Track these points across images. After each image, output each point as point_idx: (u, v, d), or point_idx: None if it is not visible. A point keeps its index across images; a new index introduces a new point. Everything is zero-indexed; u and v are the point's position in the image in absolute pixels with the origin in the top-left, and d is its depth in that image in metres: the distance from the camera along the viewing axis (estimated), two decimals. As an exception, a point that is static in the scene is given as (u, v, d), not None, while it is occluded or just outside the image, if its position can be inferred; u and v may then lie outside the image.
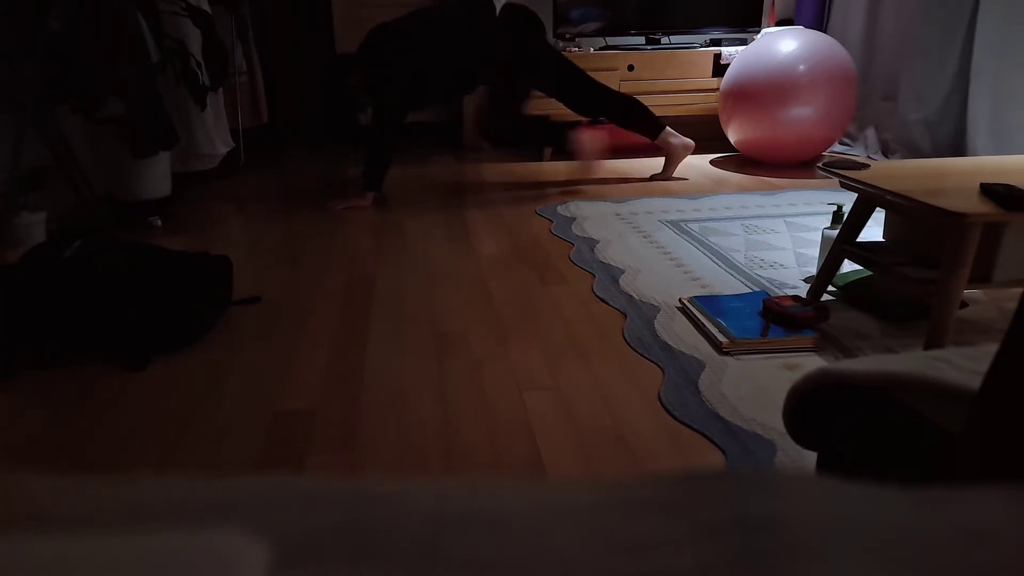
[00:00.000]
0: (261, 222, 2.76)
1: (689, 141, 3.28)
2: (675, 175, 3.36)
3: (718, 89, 3.78)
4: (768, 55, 3.31)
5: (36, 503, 0.26)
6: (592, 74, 3.75)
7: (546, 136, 3.27)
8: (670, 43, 4.03)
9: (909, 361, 0.66)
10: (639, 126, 3.28)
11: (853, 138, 3.85)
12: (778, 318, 1.68)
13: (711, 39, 4.04)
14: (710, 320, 1.69)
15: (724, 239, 2.40)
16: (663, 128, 3.26)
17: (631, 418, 1.35)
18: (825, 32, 4.00)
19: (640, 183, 3.28)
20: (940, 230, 1.58)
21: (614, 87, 3.81)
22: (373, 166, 2.98)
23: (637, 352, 1.61)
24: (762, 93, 3.29)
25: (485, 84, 3.16)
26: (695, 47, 3.89)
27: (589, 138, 3.26)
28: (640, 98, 3.84)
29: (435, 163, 3.86)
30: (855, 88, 3.34)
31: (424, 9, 3.06)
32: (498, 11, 3.05)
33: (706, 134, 4.35)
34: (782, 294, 1.88)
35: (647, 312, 1.82)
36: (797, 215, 2.67)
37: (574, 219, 2.70)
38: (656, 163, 3.74)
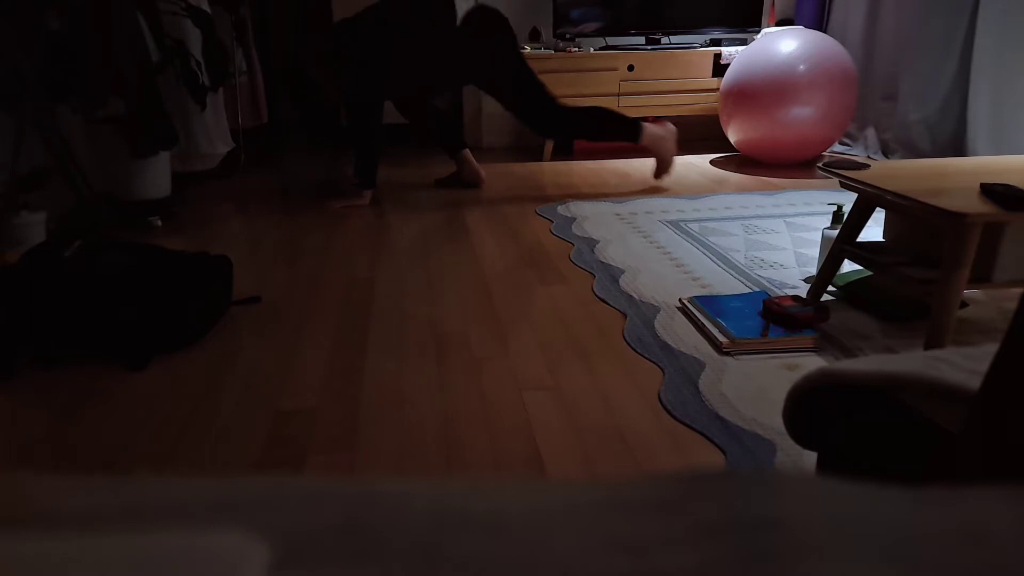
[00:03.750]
0: (261, 222, 2.76)
1: (670, 126, 3.08)
2: (672, 170, 3.18)
3: (718, 89, 3.78)
4: (768, 55, 3.31)
5: (36, 503, 0.26)
6: (592, 74, 3.77)
7: (612, 130, 3.06)
8: (670, 43, 4.03)
9: (909, 361, 0.66)
10: (616, 134, 3.07)
11: (853, 138, 3.85)
12: (778, 318, 1.68)
13: (711, 39, 4.04)
14: (710, 320, 1.69)
15: (724, 239, 2.40)
16: (642, 128, 3.05)
17: (631, 418, 1.35)
18: (825, 32, 4.00)
19: (641, 193, 3.28)
20: (940, 230, 1.58)
21: (614, 87, 3.81)
22: (363, 163, 2.95)
23: (637, 352, 1.61)
24: (762, 93, 3.29)
25: (456, 82, 3.10)
26: (695, 47, 3.89)
27: (660, 136, 3.06)
28: (640, 98, 3.85)
29: (435, 163, 3.86)
30: (855, 88, 3.34)
31: (382, 2, 2.96)
32: (464, 11, 2.92)
33: (706, 134, 4.35)
34: (782, 294, 1.88)
35: (647, 312, 1.82)
36: (797, 215, 2.67)
37: (574, 219, 2.70)
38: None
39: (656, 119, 3.27)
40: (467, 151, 3.25)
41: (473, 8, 2.97)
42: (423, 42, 2.94)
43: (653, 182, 3.26)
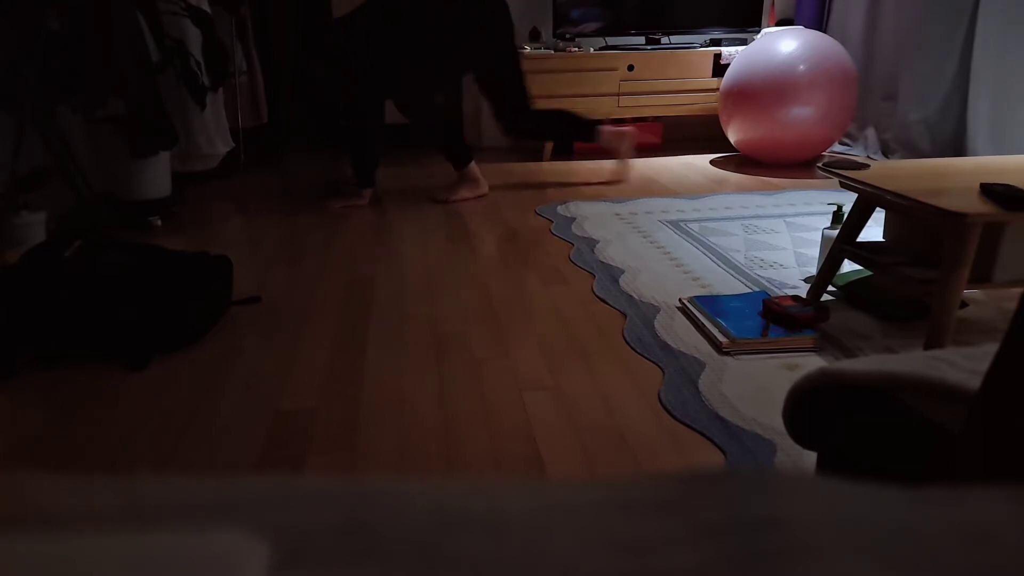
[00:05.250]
0: (261, 222, 2.76)
1: (625, 128, 3.20)
2: (629, 163, 3.29)
3: (718, 89, 3.78)
4: (768, 55, 3.31)
5: (36, 503, 0.26)
6: (592, 74, 3.77)
7: (573, 131, 3.16)
8: (670, 43, 4.03)
9: (909, 361, 0.66)
10: (574, 135, 3.17)
11: (853, 138, 3.85)
12: (778, 318, 1.68)
13: (711, 39, 4.04)
14: (710, 320, 1.69)
15: (724, 239, 2.40)
16: (598, 127, 3.15)
17: (631, 418, 1.35)
18: (825, 32, 4.00)
19: (603, 186, 3.28)
20: (940, 230, 1.58)
21: (614, 87, 3.81)
22: (361, 163, 2.95)
23: (637, 352, 1.61)
24: (762, 93, 3.29)
25: (470, 77, 3.06)
26: (695, 47, 3.89)
27: (618, 135, 3.18)
28: (640, 98, 3.85)
29: (434, 163, 3.86)
30: (855, 88, 3.34)
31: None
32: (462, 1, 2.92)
33: (706, 134, 4.35)
34: (782, 294, 1.88)
35: (647, 312, 1.82)
36: (797, 215, 2.67)
37: (574, 219, 2.70)
38: (660, 162, 3.74)
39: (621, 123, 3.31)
40: (473, 166, 3.10)
41: None
42: (425, 36, 2.91)
43: (611, 182, 3.29)
